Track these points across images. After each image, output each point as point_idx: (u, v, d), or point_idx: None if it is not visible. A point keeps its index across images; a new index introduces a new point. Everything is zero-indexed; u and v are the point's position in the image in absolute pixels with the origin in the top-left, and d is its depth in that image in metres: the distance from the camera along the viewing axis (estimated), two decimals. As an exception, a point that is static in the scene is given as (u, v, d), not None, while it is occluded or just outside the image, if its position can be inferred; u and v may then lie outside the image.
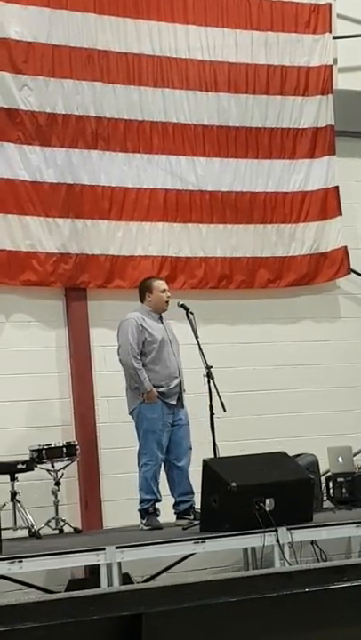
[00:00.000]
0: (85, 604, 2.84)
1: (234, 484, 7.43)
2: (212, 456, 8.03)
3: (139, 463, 8.27)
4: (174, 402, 8.29)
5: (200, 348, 8.39)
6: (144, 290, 8.55)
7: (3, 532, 7.17)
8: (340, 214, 10.43)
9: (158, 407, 8.23)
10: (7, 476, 8.16)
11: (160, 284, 8.53)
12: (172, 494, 8.38)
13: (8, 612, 2.79)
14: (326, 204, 10.37)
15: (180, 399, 8.31)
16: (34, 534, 8.12)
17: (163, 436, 8.23)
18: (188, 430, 8.35)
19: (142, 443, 8.26)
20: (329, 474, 9.14)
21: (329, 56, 10.54)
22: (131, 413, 8.34)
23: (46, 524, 8.32)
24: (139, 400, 8.26)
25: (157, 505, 8.28)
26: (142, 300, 8.53)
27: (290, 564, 7.39)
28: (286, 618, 2.98)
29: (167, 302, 8.47)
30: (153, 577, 8.50)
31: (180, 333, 8.61)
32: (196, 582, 2.96)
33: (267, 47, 10.25)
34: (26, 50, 9.17)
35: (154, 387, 8.22)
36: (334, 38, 10.65)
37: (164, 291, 8.49)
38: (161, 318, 8.49)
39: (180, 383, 8.32)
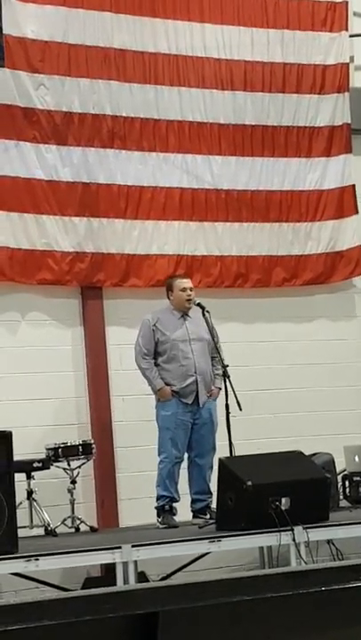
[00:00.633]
0: (101, 602, 2.84)
1: (250, 483, 7.42)
2: (229, 455, 8.02)
3: (158, 460, 8.30)
4: (190, 401, 8.28)
5: (216, 347, 8.38)
6: (167, 288, 8.58)
7: (19, 530, 7.19)
8: (357, 213, 10.41)
9: (173, 405, 8.25)
10: (23, 475, 8.17)
11: (180, 283, 8.52)
12: (190, 491, 8.38)
13: (25, 610, 2.79)
14: (343, 202, 10.35)
15: (197, 397, 8.29)
16: (50, 532, 8.13)
17: (178, 433, 8.23)
18: (212, 429, 8.34)
19: (159, 440, 8.30)
20: (345, 473, 9.11)
21: (345, 54, 10.52)
22: (156, 409, 8.38)
23: (62, 522, 8.34)
24: (156, 397, 8.31)
25: (175, 505, 8.28)
26: (168, 297, 8.55)
27: (306, 563, 7.37)
28: (302, 617, 2.97)
29: (188, 301, 8.45)
30: (169, 575, 8.50)
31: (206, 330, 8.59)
32: (212, 581, 2.96)
33: (283, 45, 10.24)
34: (42, 49, 9.19)
35: (166, 385, 8.24)
36: (351, 36, 10.63)
37: (184, 289, 8.47)
38: (184, 316, 8.47)
39: (197, 382, 8.30)
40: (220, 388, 8.31)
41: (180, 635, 2.86)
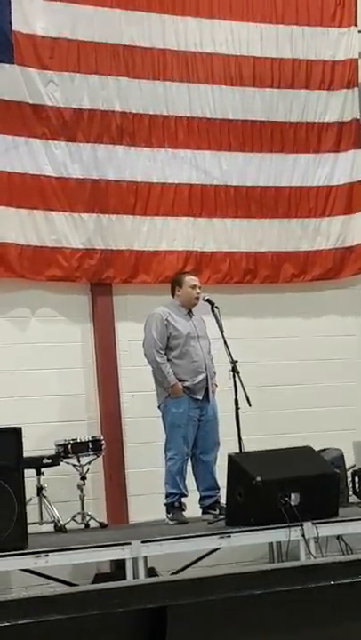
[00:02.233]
0: (110, 597, 2.84)
1: (259, 479, 7.42)
2: (238, 451, 8.02)
3: (165, 457, 8.29)
4: (200, 397, 8.29)
5: (225, 343, 8.38)
6: (175, 284, 8.57)
7: (29, 526, 7.19)
8: (366, 208, 10.40)
9: (184, 401, 8.25)
10: (33, 471, 8.19)
11: (190, 280, 8.53)
12: (198, 489, 8.39)
13: (34, 604, 2.80)
14: (352, 197, 10.34)
15: (206, 394, 8.30)
16: (60, 529, 8.15)
17: (188, 430, 8.24)
18: (215, 425, 8.36)
19: (168, 437, 8.29)
20: (355, 468, 9.09)
21: (355, 49, 10.50)
22: (159, 407, 8.37)
23: (72, 518, 8.35)
24: (165, 394, 8.29)
25: (183, 500, 8.29)
26: (173, 294, 8.54)
27: (315, 559, 7.36)
28: (312, 611, 2.98)
29: (197, 298, 8.45)
30: (178, 571, 8.50)
31: (207, 328, 8.60)
32: (221, 575, 2.96)
33: (292, 41, 10.23)
34: (51, 45, 9.20)
35: (178, 381, 8.24)
36: (360, 32, 10.60)
37: (193, 287, 8.48)
38: (190, 313, 8.48)
39: (207, 378, 8.31)
40: (217, 385, 8.32)
41: (188, 629, 2.86)
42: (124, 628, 2.81)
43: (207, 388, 8.31)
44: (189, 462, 8.38)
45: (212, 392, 8.37)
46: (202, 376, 8.30)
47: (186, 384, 8.27)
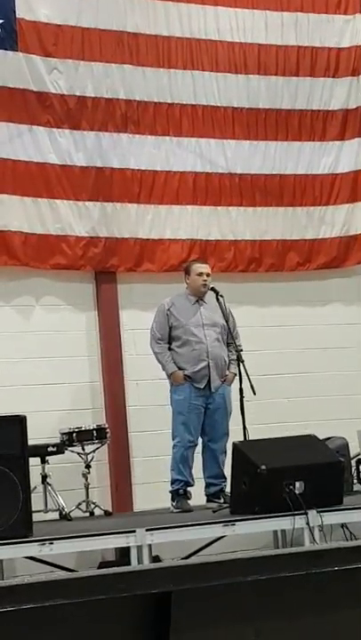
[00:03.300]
0: (115, 582, 2.84)
1: (264, 467, 7.42)
2: (243, 439, 8.02)
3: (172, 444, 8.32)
4: (202, 385, 8.28)
5: (230, 331, 8.37)
6: (185, 272, 8.55)
7: (34, 514, 7.20)
8: (371, 196, 10.37)
9: (185, 389, 8.25)
10: (38, 459, 8.19)
11: (198, 268, 8.49)
12: (203, 474, 8.40)
13: (39, 589, 2.80)
14: (357, 186, 10.32)
15: (209, 383, 8.29)
16: (64, 517, 8.16)
17: (191, 418, 8.23)
18: (225, 414, 8.33)
19: (173, 424, 8.31)
20: (359, 457, 9.10)
21: (360, 37, 10.46)
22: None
23: (77, 506, 8.36)
24: (170, 382, 8.31)
25: (189, 489, 8.29)
26: (186, 282, 8.53)
27: (320, 547, 7.37)
28: (316, 596, 2.98)
29: (204, 285, 8.42)
30: (183, 560, 8.51)
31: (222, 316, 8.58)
32: (225, 560, 2.96)
33: (297, 28, 10.19)
34: (55, 33, 9.18)
35: (179, 369, 8.24)
36: (365, 19, 10.57)
37: (200, 274, 8.44)
38: (199, 301, 8.45)
39: (209, 367, 8.30)
40: (235, 374, 8.29)
41: (193, 614, 2.86)
42: (129, 613, 2.82)
43: (210, 377, 8.29)
44: (197, 450, 8.37)
45: (223, 381, 8.33)
46: (203, 364, 8.28)
47: (186, 372, 8.27)
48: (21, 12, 9.01)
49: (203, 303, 8.46)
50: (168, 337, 8.35)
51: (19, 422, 7.02)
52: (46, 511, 8.24)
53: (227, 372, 8.36)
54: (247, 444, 7.87)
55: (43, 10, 9.12)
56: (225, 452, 8.27)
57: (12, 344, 8.98)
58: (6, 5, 8.93)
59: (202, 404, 8.29)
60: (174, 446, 8.29)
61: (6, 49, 8.95)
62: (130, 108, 9.48)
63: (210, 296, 8.44)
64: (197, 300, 8.45)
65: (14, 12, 8.97)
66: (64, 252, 9.14)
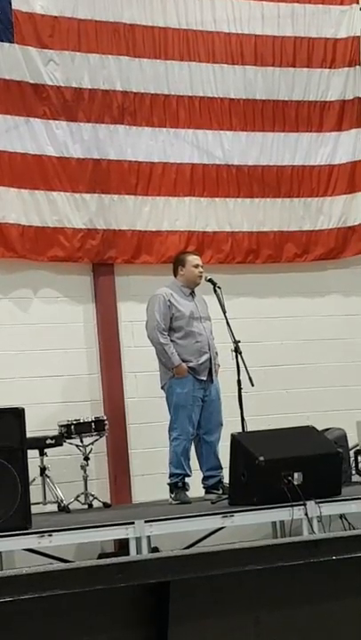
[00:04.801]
0: (113, 572, 2.85)
1: (262, 459, 7.42)
2: (241, 430, 8.02)
3: (170, 437, 8.28)
4: (205, 377, 8.27)
5: (228, 323, 8.37)
6: (177, 264, 8.52)
7: (32, 506, 7.20)
8: (368, 187, 10.36)
9: (189, 382, 8.23)
10: (36, 452, 8.19)
11: (193, 259, 8.49)
12: (201, 469, 8.39)
13: (37, 579, 2.81)
14: (354, 176, 10.31)
15: (210, 374, 8.29)
16: (63, 509, 8.17)
17: (193, 410, 8.23)
18: (219, 405, 8.34)
19: (173, 417, 8.27)
20: (358, 448, 9.11)
21: (356, 27, 10.44)
22: (162, 388, 8.34)
23: (75, 498, 8.36)
24: (169, 375, 8.27)
25: (187, 480, 8.29)
26: (175, 274, 8.49)
27: (319, 538, 7.37)
28: (314, 585, 2.98)
29: (200, 277, 8.42)
30: (181, 550, 8.52)
31: (208, 308, 8.59)
32: (223, 550, 2.96)
33: (293, 19, 10.17)
34: (51, 24, 9.16)
35: (183, 361, 8.22)
36: (362, 9, 10.55)
37: (196, 266, 8.43)
38: (192, 294, 8.45)
39: (211, 359, 8.30)
40: (219, 365, 8.31)
41: (190, 604, 2.87)
42: (127, 603, 2.82)
43: (211, 369, 8.30)
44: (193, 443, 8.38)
45: (215, 373, 8.35)
46: (206, 356, 8.28)
47: (190, 364, 8.25)
48: (17, 3, 8.99)
49: (194, 295, 8.46)
50: (168, 328, 8.33)
51: (17, 415, 7.01)
52: (45, 503, 8.24)
53: (218, 364, 8.38)
54: (245, 436, 7.87)
55: (39, 1, 9.09)
56: (219, 442, 8.27)
57: (9, 336, 8.98)
58: (2, -3, 8.90)
59: (201, 396, 8.29)
60: (175, 439, 8.24)
61: (2, 41, 8.93)
62: (127, 100, 9.46)
63: (197, 289, 8.45)
64: (191, 292, 8.44)
65: (10, 3, 8.94)
66: (61, 244, 9.13)
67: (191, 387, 8.23)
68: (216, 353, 8.41)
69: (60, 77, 9.17)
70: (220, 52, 9.86)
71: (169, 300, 8.31)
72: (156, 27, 9.60)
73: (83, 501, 8.43)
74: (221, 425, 8.32)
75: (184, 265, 8.46)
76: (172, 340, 8.27)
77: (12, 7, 8.96)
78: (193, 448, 8.38)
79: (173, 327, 8.30)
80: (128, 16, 9.48)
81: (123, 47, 9.45)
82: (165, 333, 8.26)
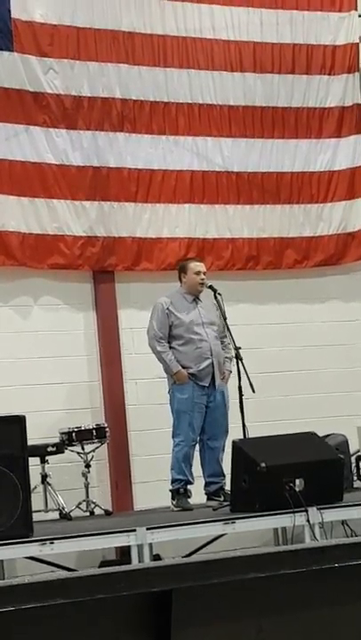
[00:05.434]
0: (115, 581, 2.84)
1: (264, 465, 7.42)
2: (242, 437, 8.02)
3: (173, 443, 8.30)
4: (207, 383, 8.27)
5: (228, 329, 8.37)
6: (180, 271, 8.53)
7: (34, 514, 7.20)
8: (368, 193, 10.37)
9: (189, 388, 8.24)
10: (37, 459, 8.19)
11: (195, 266, 8.49)
12: (203, 475, 8.39)
13: (39, 589, 2.80)
14: (354, 182, 10.32)
15: (213, 380, 8.29)
16: (65, 516, 8.16)
17: (194, 416, 8.23)
18: (224, 412, 8.33)
19: (175, 423, 8.29)
20: (359, 454, 9.11)
21: (355, 34, 10.46)
22: (168, 393, 8.36)
23: (77, 506, 8.36)
24: (171, 381, 8.31)
25: (189, 487, 8.29)
26: (180, 281, 8.51)
27: (320, 544, 7.36)
28: (316, 593, 2.98)
29: (201, 284, 8.41)
30: (183, 558, 8.52)
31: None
32: (225, 558, 2.96)
33: (292, 26, 10.19)
34: (51, 32, 9.18)
35: (183, 367, 8.23)
36: (360, 16, 10.55)
37: (198, 273, 8.44)
38: (196, 300, 8.45)
39: (213, 365, 8.29)
40: (231, 371, 8.31)
41: (193, 612, 2.86)
42: (130, 612, 2.82)
43: (213, 374, 8.29)
44: (197, 449, 8.37)
45: (223, 378, 8.34)
46: (207, 362, 8.28)
47: (190, 371, 8.26)
48: (16, 12, 9.01)
49: (199, 301, 8.46)
50: (168, 336, 8.34)
51: (18, 422, 7.01)
52: (46, 511, 8.24)
53: (224, 370, 8.36)
54: (247, 442, 7.87)
55: (38, 10, 9.12)
56: (224, 450, 8.27)
57: (10, 344, 8.98)
58: (1, 6, 8.92)
59: (204, 402, 8.29)
60: (177, 445, 8.26)
61: (2, 49, 8.95)
62: (126, 107, 9.48)
63: (205, 294, 8.45)
64: (194, 299, 8.45)
65: (9, 12, 8.96)
66: (62, 251, 9.14)
67: (191, 393, 8.23)
68: (228, 359, 8.37)
69: (59, 85, 9.19)
70: (219, 59, 9.87)
71: (167, 309, 8.34)
72: (155, 34, 9.62)
73: (84, 509, 8.42)
74: (227, 432, 8.31)
75: (186, 272, 8.47)
76: (172, 348, 8.29)
77: (12, 16, 8.98)
78: (197, 454, 8.38)
79: (173, 335, 8.32)
80: (127, 24, 9.50)
81: (122, 55, 9.47)
82: (163, 341, 8.28)
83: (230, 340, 8.35)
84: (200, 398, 8.26)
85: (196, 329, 8.32)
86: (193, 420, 8.23)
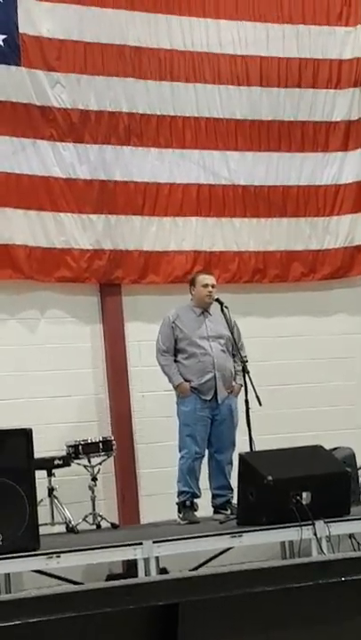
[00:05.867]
0: (122, 594, 2.85)
1: (271, 478, 7.41)
2: (249, 450, 8.02)
3: (179, 456, 8.32)
4: (209, 397, 8.28)
5: (235, 343, 8.38)
6: (190, 284, 8.56)
7: (40, 527, 7.20)
8: (375, 206, 10.38)
9: (191, 401, 8.26)
10: (44, 472, 8.19)
11: (203, 279, 8.50)
12: (210, 487, 8.39)
13: (47, 602, 2.81)
14: (360, 196, 10.32)
15: (216, 394, 8.29)
16: (71, 530, 8.15)
17: (197, 429, 8.24)
18: (231, 425, 8.33)
19: (179, 436, 8.31)
20: (366, 467, 9.09)
21: (361, 48, 10.49)
22: (176, 404, 8.39)
23: (83, 519, 8.35)
24: (176, 393, 8.33)
25: (196, 500, 8.28)
26: (191, 293, 8.52)
27: (327, 558, 7.35)
28: (324, 607, 2.97)
29: (208, 297, 8.42)
30: (190, 571, 8.50)
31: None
32: (232, 572, 2.96)
33: (298, 40, 10.22)
34: (58, 47, 9.22)
35: (186, 381, 8.25)
36: (366, 30, 10.60)
37: (206, 285, 8.45)
38: (204, 313, 8.45)
39: (216, 378, 8.29)
40: (242, 385, 8.30)
41: (200, 626, 2.86)
42: (137, 625, 2.82)
43: (216, 388, 8.29)
44: (204, 462, 8.37)
45: (230, 392, 8.34)
46: (209, 376, 8.28)
47: (193, 384, 8.27)
48: (24, 27, 9.05)
49: (208, 315, 8.46)
50: (173, 349, 8.37)
51: (25, 435, 7.02)
52: (53, 524, 8.23)
53: (233, 384, 8.36)
54: (254, 455, 7.87)
55: (45, 25, 9.16)
56: (231, 463, 8.27)
57: (17, 357, 8.99)
58: (9, 20, 8.97)
59: (208, 415, 8.30)
60: (181, 458, 8.29)
61: (9, 64, 8.99)
62: (133, 121, 9.51)
63: (215, 308, 8.45)
64: (203, 312, 8.45)
65: (17, 27, 9.01)
66: (69, 264, 9.16)
67: (194, 405, 8.25)
68: (233, 372, 8.36)
69: (66, 99, 9.23)
70: (225, 74, 9.91)
71: (173, 322, 8.37)
72: (162, 49, 9.66)
73: (91, 522, 8.42)
74: (233, 445, 8.31)
75: (194, 285, 8.50)
76: (176, 361, 8.32)
77: (19, 31, 9.02)
78: (204, 467, 8.38)
79: (178, 348, 8.36)
80: (134, 38, 9.54)
81: (129, 69, 9.51)
82: (167, 354, 8.32)
83: (239, 353, 8.35)
84: (203, 411, 8.27)
85: (200, 342, 8.33)
86: (196, 433, 8.24)
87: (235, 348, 8.40)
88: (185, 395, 8.27)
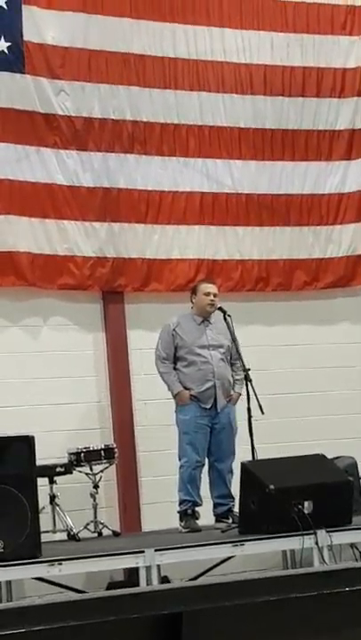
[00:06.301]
0: (125, 603, 2.84)
1: (272, 487, 7.40)
2: (251, 459, 8.01)
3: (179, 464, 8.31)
4: (209, 405, 8.27)
5: (238, 351, 8.38)
6: (191, 292, 8.56)
7: (42, 534, 7.19)
8: (378, 216, 10.39)
9: (191, 409, 8.25)
10: (46, 479, 8.19)
11: (205, 287, 8.50)
12: (211, 496, 8.38)
13: (51, 611, 2.80)
14: (364, 205, 10.33)
15: (215, 402, 8.29)
16: (73, 537, 8.14)
17: (197, 437, 8.23)
18: (230, 434, 8.32)
19: (179, 444, 8.31)
20: (368, 476, 9.08)
21: (365, 57, 10.50)
22: (175, 412, 8.39)
23: (85, 527, 8.34)
24: (175, 401, 8.31)
25: (198, 509, 8.27)
26: (191, 302, 8.52)
27: (329, 567, 7.34)
28: (327, 616, 2.97)
29: (209, 305, 8.41)
30: (192, 580, 8.48)
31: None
32: (236, 581, 2.96)
33: (303, 49, 10.23)
34: (62, 55, 9.24)
35: (185, 389, 8.25)
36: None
37: (208, 294, 8.44)
38: (205, 322, 8.44)
39: (215, 387, 8.29)
40: (240, 394, 8.30)
41: (203, 635, 2.86)
42: (140, 634, 2.81)
43: (216, 397, 8.28)
44: (205, 470, 8.36)
45: (229, 401, 8.34)
46: (209, 384, 8.28)
47: (193, 392, 8.27)
48: (28, 34, 9.07)
49: (208, 324, 8.45)
50: (173, 357, 8.36)
51: (27, 442, 7.02)
52: (54, 532, 8.22)
53: (231, 392, 8.36)
54: (256, 464, 7.86)
55: (49, 32, 9.18)
56: (232, 472, 8.26)
57: (19, 364, 8.99)
58: (13, 28, 8.99)
59: (208, 423, 8.29)
60: (181, 466, 8.28)
61: (14, 71, 9.01)
62: (136, 129, 9.52)
63: (216, 316, 8.45)
64: (203, 321, 8.45)
65: (21, 34, 9.03)
66: (71, 272, 9.17)
67: (194, 414, 8.25)
68: (238, 381, 8.36)
69: (70, 107, 9.24)
70: (229, 82, 9.92)
71: (174, 330, 8.37)
72: (166, 57, 9.68)
73: (92, 530, 8.41)
74: (233, 453, 8.30)
75: (196, 293, 8.50)
76: (176, 369, 8.32)
77: (24, 38, 9.04)
78: (205, 476, 8.37)
79: (178, 356, 8.36)
80: (138, 46, 9.55)
81: (133, 77, 9.52)
82: (167, 362, 8.31)
83: (240, 362, 8.35)
84: (202, 419, 8.27)
85: (200, 351, 8.32)
86: (196, 441, 8.23)
87: (236, 356, 8.39)
88: (184, 403, 8.26)
